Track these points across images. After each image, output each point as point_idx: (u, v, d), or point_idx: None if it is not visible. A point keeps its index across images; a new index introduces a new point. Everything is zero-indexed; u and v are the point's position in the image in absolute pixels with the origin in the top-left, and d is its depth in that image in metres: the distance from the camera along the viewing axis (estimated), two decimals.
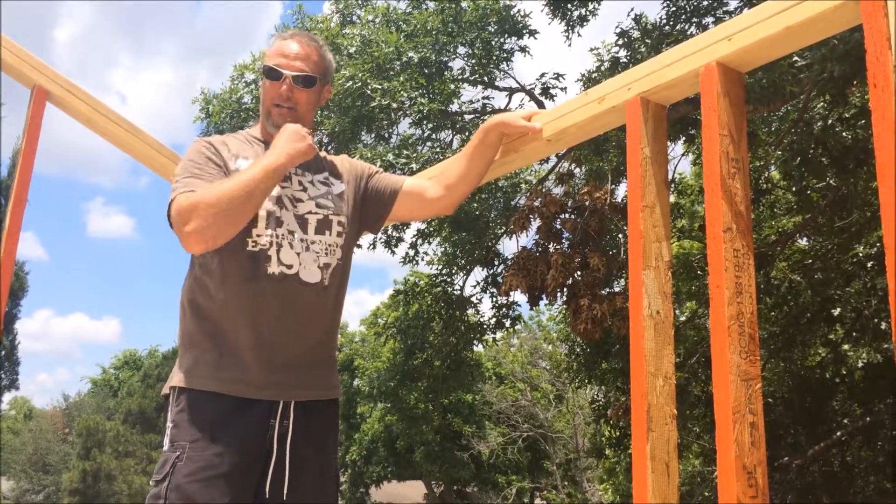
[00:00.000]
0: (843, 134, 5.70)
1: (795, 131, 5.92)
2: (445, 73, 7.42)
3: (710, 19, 5.73)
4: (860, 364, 6.72)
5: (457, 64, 7.71)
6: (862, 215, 6.35)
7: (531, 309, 6.70)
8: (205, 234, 1.59)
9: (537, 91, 7.65)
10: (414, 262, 8.81)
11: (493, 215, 8.29)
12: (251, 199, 1.60)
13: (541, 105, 7.68)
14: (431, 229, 8.73)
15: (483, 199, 8.24)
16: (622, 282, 7.04)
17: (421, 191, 2.01)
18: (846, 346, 6.99)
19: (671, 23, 5.79)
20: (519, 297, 10.53)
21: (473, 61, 7.58)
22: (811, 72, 4.43)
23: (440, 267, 9.15)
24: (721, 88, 1.50)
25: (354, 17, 8.33)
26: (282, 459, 1.65)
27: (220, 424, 1.62)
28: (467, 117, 7.88)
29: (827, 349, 7.82)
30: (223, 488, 1.58)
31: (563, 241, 6.03)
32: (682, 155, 7.19)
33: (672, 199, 8.52)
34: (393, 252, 8.42)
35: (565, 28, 6.95)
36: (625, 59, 5.89)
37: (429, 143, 7.89)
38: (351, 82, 6.76)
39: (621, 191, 6.33)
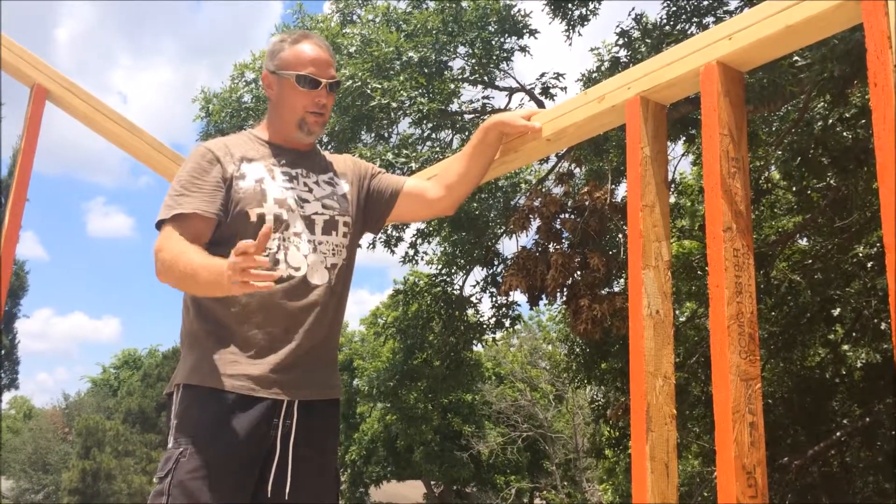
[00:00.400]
0: (844, 134, 5.70)
1: (796, 131, 5.92)
2: (445, 72, 7.42)
3: (710, 19, 5.73)
4: (859, 364, 6.72)
5: (457, 63, 7.71)
6: (862, 215, 6.35)
7: (531, 309, 6.71)
8: (166, 282, 1.66)
9: (537, 91, 7.65)
10: (413, 261, 8.81)
11: (492, 215, 8.29)
12: (195, 284, 1.60)
13: (541, 105, 7.68)
14: (431, 229, 8.72)
15: (483, 199, 8.24)
16: (622, 282, 7.04)
17: (422, 191, 2.02)
18: (846, 347, 6.99)
19: (671, 22, 5.79)
20: (519, 296, 10.54)
21: (473, 61, 7.58)
22: (811, 71, 4.42)
23: (440, 267, 9.14)
24: (721, 88, 1.50)
25: (355, 17, 8.33)
26: (284, 459, 1.66)
27: (223, 421, 1.63)
28: (467, 117, 7.88)
29: (827, 349, 7.82)
30: (226, 485, 1.58)
31: (563, 241, 6.03)
32: (683, 155, 7.19)
33: (672, 199, 8.52)
34: (393, 252, 8.42)
35: (566, 28, 6.95)
36: (625, 59, 5.88)
37: (428, 143, 7.89)
38: (351, 81, 6.76)
39: (621, 191, 6.32)
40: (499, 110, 8.11)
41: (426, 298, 9.34)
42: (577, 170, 7.10)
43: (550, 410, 21.67)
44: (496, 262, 8.64)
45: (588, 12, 6.88)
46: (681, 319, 8.26)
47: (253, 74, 8.37)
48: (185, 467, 1.58)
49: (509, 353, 23.29)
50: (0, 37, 2.28)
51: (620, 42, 5.95)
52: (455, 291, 9.08)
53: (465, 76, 7.67)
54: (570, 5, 6.82)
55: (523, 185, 8.69)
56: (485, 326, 8.93)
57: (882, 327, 6.42)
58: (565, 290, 5.83)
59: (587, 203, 5.82)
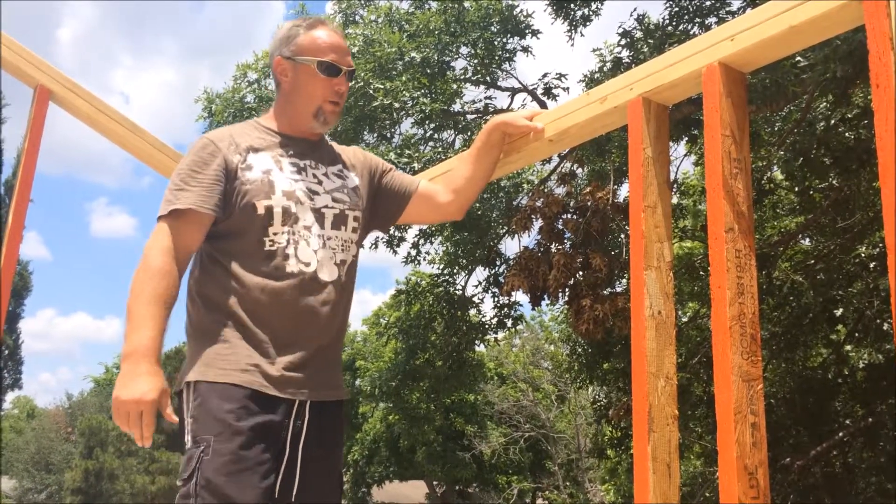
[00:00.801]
0: (846, 134, 5.69)
1: (798, 131, 5.91)
2: (448, 72, 7.42)
3: (713, 19, 5.72)
4: (862, 365, 6.71)
5: (459, 64, 7.72)
6: (864, 216, 6.34)
7: (533, 309, 6.71)
8: (132, 281, 1.65)
9: (540, 91, 7.65)
10: (416, 261, 8.81)
11: (495, 215, 8.29)
12: (127, 323, 1.59)
13: (543, 105, 7.68)
14: (433, 229, 8.72)
15: (485, 199, 8.24)
16: (624, 282, 7.04)
17: (433, 194, 1.99)
18: (848, 347, 6.99)
19: (674, 23, 5.78)
20: (521, 297, 10.54)
21: (476, 61, 7.57)
22: (814, 72, 4.42)
23: (442, 267, 9.15)
24: (723, 89, 1.50)
25: (357, 17, 8.33)
26: (293, 459, 1.63)
27: (241, 417, 1.58)
28: (469, 117, 7.88)
29: (829, 350, 7.81)
30: (252, 479, 1.54)
31: (565, 241, 6.03)
32: (685, 155, 7.18)
33: (674, 199, 8.51)
34: (395, 252, 8.43)
35: (568, 28, 6.95)
36: (627, 60, 5.88)
37: (431, 143, 7.90)
38: (353, 82, 6.76)
39: (623, 191, 6.32)
40: (501, 110, 8.11)
41: (428, 298, 9.34)
42: (580, 170, 7.10)
43: (552, 411, 21.67)
44: (498, 263, 8.64)
45: (590, 12, 6.87)
46: (683, 320, 8.25)
47: (255, 75, 8.38)
48: (210, 466, 1.53)
49: (511, 353, 23.28)
50: (2, 37, 2.28)
51: (623, 42, 5.95)
52: (457, 291, 9.08)
53: (467, 76, 7.67)
54: (572, 6, 6.82)
55: (525, 186, 8.69)
56: (487, 326, 8.93)
57: (885, 328, 6.41)
58: (567, 290, 5.83)
59: (589, 203, 5.82)
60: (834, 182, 6.34)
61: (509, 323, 8.64)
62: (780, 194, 7.77)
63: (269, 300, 1.65)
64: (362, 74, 6.82)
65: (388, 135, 7.75)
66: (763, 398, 1.42)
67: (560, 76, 7.52)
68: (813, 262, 7.25)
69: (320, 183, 1.78)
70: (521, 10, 7.52)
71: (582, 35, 6.93)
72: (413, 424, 19.71)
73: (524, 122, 1.92)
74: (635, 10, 6.05)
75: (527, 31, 7.52)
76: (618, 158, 6.16)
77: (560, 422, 21.67)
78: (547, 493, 22.19)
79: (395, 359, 11.68)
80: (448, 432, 21.99)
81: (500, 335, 9.78)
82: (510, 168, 2.13)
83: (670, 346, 1.55)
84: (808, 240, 8.02)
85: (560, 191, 6.78)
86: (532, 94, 7.70)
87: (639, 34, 5.88)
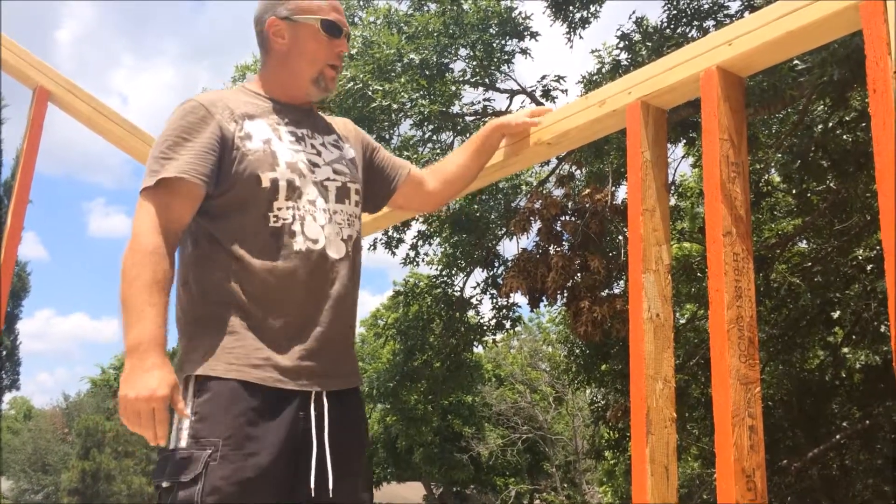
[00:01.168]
0: (844, 137, 5.71)
1: (796, 134, 5.92)
2: (446, 74, 7.43)
3: (711, 22, 5.73)
4: (858, 366, 6.72)
5: (458, 66, 7.72)
6: (862, 218, 6.36)
7: (531, 311, 6.71)
8: (122, 268, 1.49)
9: (538, 93, 7.66)
10: (414, 263, 8.82)
11: (493, 217, 8.30)
12: (123, 315, 1.43)
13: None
14: (432, 230, 8.74)
15: (483, 201, 8.25)
16: (622, 284, 7.05)
17: (422, 180, 1.91)
18: (846, 349, 7.00)
19: (672, 26, 5.80)
20: (519, 298, 10.52)
21: (475, 63, 7.58)
22: (811, 75, 4.43)
23: (440, 268, 9.15)
24: (721, 93, 1.51)
25: (356, 19, 8.34)
26: (322, 455, 1.49)
27: (253, 419, 1.44)
28: (468, 119, 7.89)
29: (826, 352, 7.83)
30: (266, 489, 1.42)
31: (564, 242, 6.04)
32: (683, 157, 7.19)
33: (673, 201, 8.52)
34: (393, 253, 8.43)
35: (567, 30, 6.95)
36: (626, 62, 5.89)
37: (429, 145, 7.90)
38: (352, 83, 6.77)
39: (622, 192, 6.33)
40: (500, 112, 8.12)
41: (426, 300, 9.34)
42: (578, 172, 7.11)
43: (550, 412, 21.68)
44: (497, 264, 8.65)
45: (589, 15, 6.88)
46: (681, 321, 8.26)
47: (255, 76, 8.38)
48: (218, 472, 1.39)
49: (509, 354, 23.29)
50: (2, 39, 2.29)
51: (621, 45, 5.96)
52: (455, 293, 9.09)
53: (466, 78, 7.68)
54: (571, 8, 6.82)
55: (524, 187, 8.70)
56: (485, 328, 8.94)
57: (882, 330, 6.41)
58: (565, 291, 5.84)
59: (587, 205, 5.83)
60: (831, 185, 6.36)
61: (507, 324, 8.64)
62: (777, 197, 7.78)
63: (277, 283, 1.51)
64: (361, 76, 6.83)
65: (387, 136, 7.75)
66: (761, 401, 1.42)
67: (559, 78, 7.53)
68: (810, 264, 7.27)
69: (319, 154, 1.65)
70: (520, 12, 7.53)
71: (581, 37, 6.94)
72: (410, 426, 19.67)
73: (524, 118, 1.91)
74: (634, 12, 6.06)
75: (525, 34, 7.53)
76: (616, 160, 6.17)
77: (558, 423, 21.69)
78: (544, 494, 22.19)
79: (393, 360, 11.68)
80: (446, 434, 21.98)
81: (499, 337, 9.78)
82: (509, 171, 2.13)
83: (668, 349, 1.56)
84: (805, 242, 8.04)
85: (558, 192, 6.80)
86: (531, 95, 7.71)
87: (637, 37, 5.89)
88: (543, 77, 7.59)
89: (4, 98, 16.29)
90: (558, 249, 5.94)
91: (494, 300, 8.58)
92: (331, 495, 1.48)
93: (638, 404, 1.50)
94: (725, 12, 5.71)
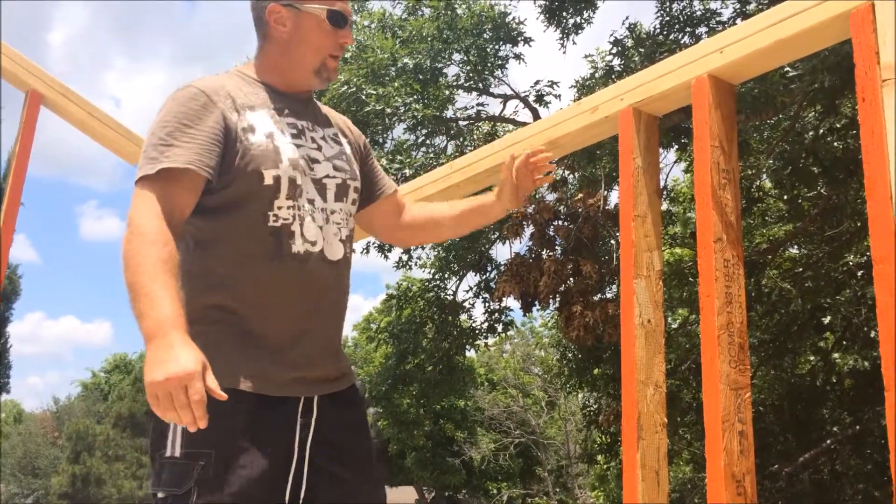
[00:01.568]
0: (834, 144, 5.75)
1: (787, 140, 5.96)
2: (440, 79, 7.44)
3: (703, 29, 5.77)
4: (847, 370, 6.76)
5: (451, 70, 7.75)
6: (852, 224, 6.40)
7: (524, 315, 6.74)
8: (123, 261, 1.36)
9: (531, 98, 7.69)
10: (407, 266, 8.82)
11: None
12: (133, 307, 1.30)
13: (535, 112, 7.71)
14: None
15: None
16: (614, 288, 7.07)
17: (402, 207, 1.82)
18: (836, 355, 7.04)
19: (664, 32, 5.83)
20: (512, 302, 10.56)
21: (468, 68, 7.60)
22: (802, 82, 4.47)
23: (433, 272, 9.16)
24: (712, 100, 1.52)
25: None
26: (301, 464, 1.44)
27: (246, 430, 1.38)
28: (461, 123, 7.91)
29: (817, 357, 7.86)
30: (259, 500, 1.37)
31: (556, 247, 6.06)
32: (675, 162, 7.23)
33: (664, 206, 8.56)
34: (386, 257, 8.43)
35: (560, 36, 6.99)
36: (619, 68, 5.92)
37: (423, 149, 7.91)
38: (346, 87, 6.78)
39: (614, 197, 6.36)
40: (493, 117, 8.14)
41: (419, 303, 9.35)
42: (571, 176, 7.14)
43: (542, 416, 21.69)
44: (489, 268, 8.66)
45: (582, 20, 6.91)
46: (673, 326, 8.29)
47: None
48: (211, 485, 1.34)
49: (502, 358, 23.31)
50: None
51: (614, 51, 6.00)
52: (448, 297, 9.10)
53: (459, 83, 7.70)
54: (564, 14, 6.85)
55: None
56: (478, 332, 8.95)
57: (872, 335, 6.45)
58: (558, 296, 5.86)
59: (580, 210, 5.85)
60: (822, 191, 6.40)
61: (500, 328, 8.66)
62: (768, 202, 7.83)
63: (273, 287, 1.44)
64: (355, 80, 6.84)
65: (381, 140, 7.76)
66: (751, 406, 1.43)
67: (552, 84, 7.56)
68: (801, 269, 7.31)
69: (319, 149, 1.58)
70: (514, 18, 7.55)
71: (574, 43, 6.98)
72: (402, 429, 19.67)
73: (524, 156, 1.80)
74: (627, 18, 6.10)
75: (519, 39, 7.56)
76: (609, 164, 6.20)
77: (550, 428, 21.70)
78: (537, 499, 22.19)
79: (386, 363, 11.68)
80: (438, 438, 21.96)
81: (491, 340, 9.81)
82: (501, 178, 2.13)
83: (659, 355, 1.57)
84: (796, 248, 8.08)
85: (551, 197, 6.82)
86: (524, 101, 7.74)
87: (630, 42, 5.92)
88: (537, 82, 7.62)
89: None
90: (551, 254, 5.96)
91: (487, 304, 8.59)
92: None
93: (629, 409, 1.51)
94: (718, 19, 5.75)
